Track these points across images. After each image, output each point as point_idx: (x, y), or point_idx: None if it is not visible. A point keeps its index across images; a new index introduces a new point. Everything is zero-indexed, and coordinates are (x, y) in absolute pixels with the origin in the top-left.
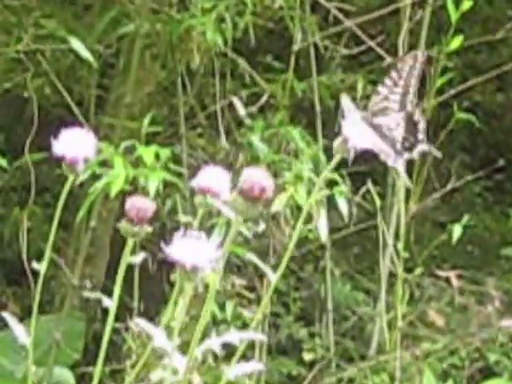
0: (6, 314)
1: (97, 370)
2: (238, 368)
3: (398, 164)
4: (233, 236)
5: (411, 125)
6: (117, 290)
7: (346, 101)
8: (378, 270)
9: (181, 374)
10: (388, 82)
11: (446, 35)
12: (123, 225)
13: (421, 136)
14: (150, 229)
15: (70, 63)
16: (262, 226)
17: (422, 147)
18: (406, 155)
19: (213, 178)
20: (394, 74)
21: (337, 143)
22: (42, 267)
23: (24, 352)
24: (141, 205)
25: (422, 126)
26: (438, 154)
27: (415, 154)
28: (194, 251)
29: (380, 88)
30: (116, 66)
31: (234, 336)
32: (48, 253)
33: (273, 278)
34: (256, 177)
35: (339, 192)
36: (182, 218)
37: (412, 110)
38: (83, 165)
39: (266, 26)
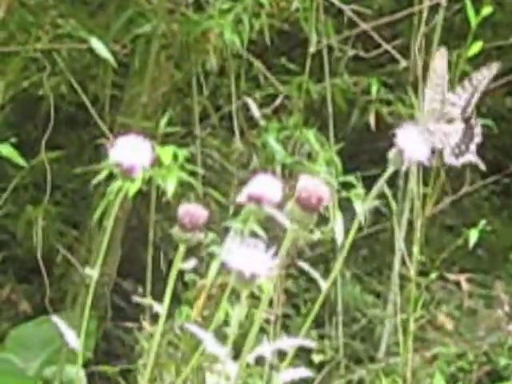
0: (56, 317)
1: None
2: (288, 374)
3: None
4: (288, 244)
5: (468, 134)
6: (168, 296)
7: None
8: (386, 272)
9: (232, 380)
10: (459, 89)
11: (460, 40)
12: (176, 231)
13: (473, 147)
14: (202, 236)
15: (86, 62)
16: (317, 235)
17: (470, 157)
18: (453, 161)
19: (265, 186)
20: (466, 82)
21: (392, 154)
22: (94, 273)
23: (35, 350)
24: (194, 212)
25: (477, 138)
26: (483, 167)
27: (460, 162)
28: (252, 260)
29: (450, 94)
30: (131, 66)
31: (284, 342)
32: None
33: (324, 285)
34: (313, 186)
35: (355, 195)
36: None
37: (474, 121)
38: (139, 172)
39: (282, 27)
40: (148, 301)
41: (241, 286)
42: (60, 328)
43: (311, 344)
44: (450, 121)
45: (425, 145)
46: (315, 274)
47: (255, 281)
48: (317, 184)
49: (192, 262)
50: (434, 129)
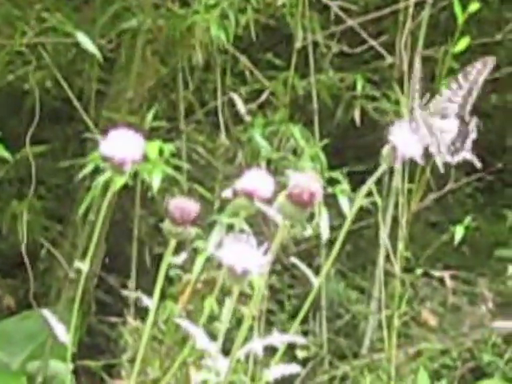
0: (45, 312)
1: None
2: (277, 370)
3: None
4: (279, 240)
5: (464, 131)
6: (157, 291)
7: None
8: (370, 269)
9: (223, 375)
10: (453, 84)
11: (445, 36)
12: (166, 225)
13: (468, 144)
14: (193, 230)
15: (72, 57)
16: (309, 231)
17: (465, 155)
18: (448, 158)
19: (257, 181)
20: (460, 77)
21: (385, 151)
22: (84, 267)
23: (19, 344)
24: (185, 206)
25: (473, 135)
26: (478, 165)
27: (456, 159)
28: (244, 255)
29: (444, 90)
30: (117, 61)
31: (276, 338)
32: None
33: (315, 281)
34: (305, 182)
35: (341, 191)
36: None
37: (469, 118)
38: (130, 167)
39: (268, 23)
40: (136, 294)
41: (232, 282)
42: (44, 322)
43: (301, 340)
44: (444, 117)
45: (418, 142)
46: (307, 270)
47: (247, 277)
48: (309, 180)
49: (182, 257)
50: (428, 124)
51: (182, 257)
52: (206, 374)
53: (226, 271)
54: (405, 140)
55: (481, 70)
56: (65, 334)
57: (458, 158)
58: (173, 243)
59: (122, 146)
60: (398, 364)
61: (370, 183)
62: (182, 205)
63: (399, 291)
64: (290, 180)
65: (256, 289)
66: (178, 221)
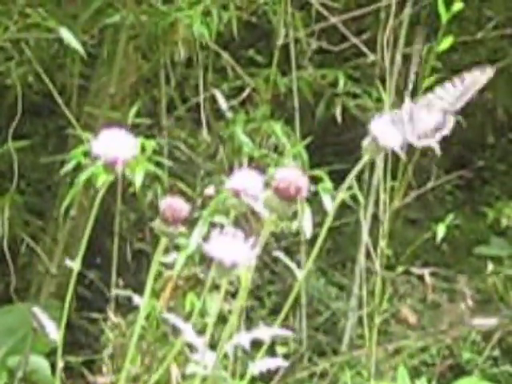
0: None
1: None
2: (263, 364)
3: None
4: (266, 234)
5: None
6: (148, 288)
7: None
8: (350, 266)
9: (209, 369)
10: (448, 84)
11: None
12: (157, 224)
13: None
14: (184, 229)
15: (54, 52)
16: (293, 226)
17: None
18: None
19: (246, 180)
20: (457, 80)
21: (366, 143)
22: (75, 265)
23: None
24: (176, 205)
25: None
26: (438, 151)
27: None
28: (232, 249)
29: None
30: (99, 56)
31: (263, 332)
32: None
33: (300, 274)
34: (292, 176)
35: (324, 189)
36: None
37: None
38: (122, 166)
39: (250, 20)
40: (126, 293)
41: (220, 275)
42: (25, 317)
43: (286, 333)
44: (429, 110)
45: (398, 133)
46: (291, 264)
47: (234, 270)
48: (295, 174)
49: (172, 256)
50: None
51: (172, 256)
52: (194, 367)
53: (214, 264)
54: (384, 131)
55: (478, 78)
56: (54, 330)
57: (423, 143)
58: (164, 242)
59: (114, 145)
60: (378, 361)
61: (351, 177)
62: (174, 204)
63: (379, 288)
64: (276, 174)
65: (243, 282)
66: (170, 220)
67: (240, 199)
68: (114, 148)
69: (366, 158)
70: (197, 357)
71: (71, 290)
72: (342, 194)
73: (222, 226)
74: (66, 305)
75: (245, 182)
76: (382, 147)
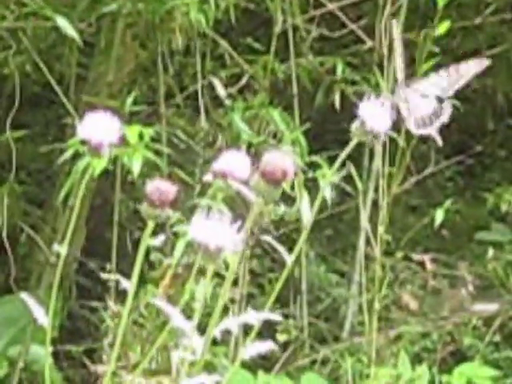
0: (24, 295)
1: None
2: (253, 348)
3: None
4: (253, 217)
5: (437, 112)
6: (136, 273)
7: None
8: (351, 252)
9: (198, 353)
10: (443, 72)
11: (425, 20)
12: (144, 207)
13: (437, 124)
14: (171, 212)
15: (52, 41)
16: (282, 209)
17: (431, 132)
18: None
19: (233, 162)
20: (452, 68)
21: (354, 126)
22: (62, 250)
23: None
24: (163, 188)
25: (444, 117)
26: (439, 142)
27: (420, 132)
28: (217, 232)
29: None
30: (96, 45)
31: (251, 316)
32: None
33: (288, 260)
34: (278, 160)
35: (322, 175)
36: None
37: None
38: (108, 149)
39: (247, 7)
40: (115, 277)
41: (206, 260)
42: (25, 307)
43: (277, 318)
44: (424, 96)
45: (387, 115)
46: (280, 249)
47: (220, 254)
48: (281, 157)
49: (160, 239)
50: (402, 98)
51: (160, 239)
52: (182, 352)
53: (200, 249)
54: (372, 114)
55: (473, 68)
56: (44, 317)
57: (422, 132)
58: (151, 225)
59: (99, 128)
60: (379, 347)
61: (341, 158)
62: (160, 187)
63: (379, 275)
64: (263, 158)
65: (230, 266)
66: (156, 203)
67: (226, 182)
68: (100, 131)
69: (354, 142)
70: (185, 342)
71: (59, 278)
72: (334, 176)
73: (219, 212)
74: (55, 294)
75: (232, 164)
76: (370, 130)
